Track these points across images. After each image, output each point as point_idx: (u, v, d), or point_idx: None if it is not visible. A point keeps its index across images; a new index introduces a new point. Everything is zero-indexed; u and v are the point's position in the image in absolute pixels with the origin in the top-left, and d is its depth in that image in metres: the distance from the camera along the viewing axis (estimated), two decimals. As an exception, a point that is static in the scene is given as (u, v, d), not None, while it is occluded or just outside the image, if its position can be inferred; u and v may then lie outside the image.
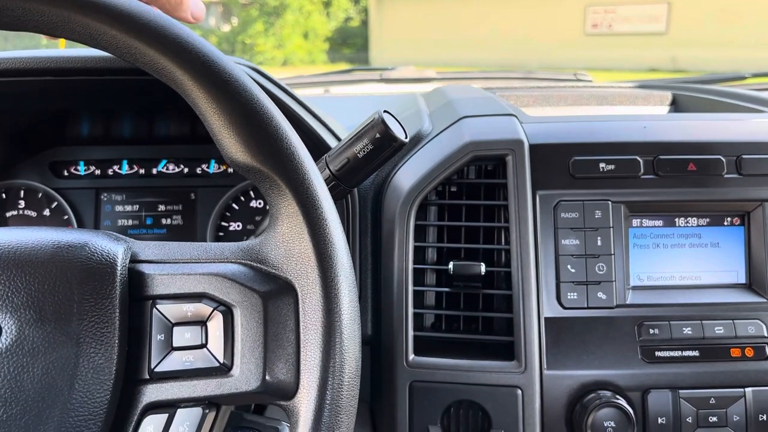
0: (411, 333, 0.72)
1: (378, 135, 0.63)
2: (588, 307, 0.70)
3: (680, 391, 0.68)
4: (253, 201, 0.94)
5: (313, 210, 0.46)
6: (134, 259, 0.47)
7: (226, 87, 0.45)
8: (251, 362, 0.45)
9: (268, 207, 0.72)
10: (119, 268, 0.45)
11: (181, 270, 0.47)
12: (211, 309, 0.46)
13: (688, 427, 0.68)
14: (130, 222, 0.94)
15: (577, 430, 0.68)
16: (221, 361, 0.45)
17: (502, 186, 0.73)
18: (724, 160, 0.72)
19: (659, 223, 0.73)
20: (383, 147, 0.64)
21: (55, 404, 0.42)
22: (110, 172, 0.94)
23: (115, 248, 0.46)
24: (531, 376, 0.69)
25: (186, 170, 0.95)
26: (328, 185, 0.63)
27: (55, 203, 0.92)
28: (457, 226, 0.75)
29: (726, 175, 0.72)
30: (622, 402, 0.67)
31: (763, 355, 0.69)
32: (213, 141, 0.47)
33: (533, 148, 0.73)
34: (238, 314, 0.46)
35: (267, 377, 0.45)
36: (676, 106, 1.15)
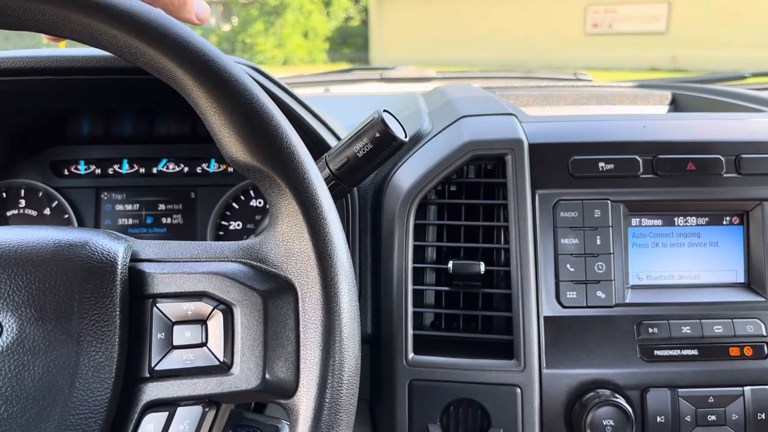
0: (410, 332, 0.72)
1: (378, 134, 0.64)
2: (587, 306, 0.70)
3: (679, 389, 0.68)
4: (253, 200, 0.94)
5: (313, 209, 0.46)
6: (134, 258, 0.47)
7: (227, 86, 0.45)
8: (251, 361, 0.45)
9: (268, 206, 0.72)
10: (120, 267, 0.45)
11: (182, 269, 0.47)
12: (212, 308, 0.46)
13: (686, 426, 0.68)
14: (131, 221, 0.94)
15: (576, 429, 0.68)
16: (221, 360, 0.45)
17: (501, 185, 0.74)
18: (723, 159, 0.72)
19: (658, 222, 0.73)
20: (383, 146, 0.64)
21: (56, 402, 0.42)
22: (110, 171, 0.94)
23: (115, 247, 0.46)
24: (530, 375, 0.69)
25: (186, 169, 0.95)
26: (327, 184, 0.64)
27: (56, 202, 0.92)
28: (456, 226, 0.75)
29: (725, 175, 0.72)
30: (621, 401, 0.67)
31: (762, 354, 0.69)
32: (213, 140, 0.47)
33: (533, 147, 0.73)
34: (238, 313, 0.46)
35: (267, 376, 0.45)
36: (676, 105, 1.15)
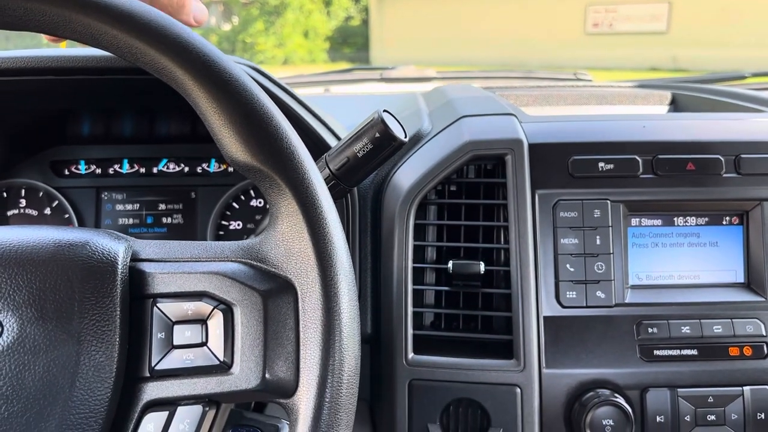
0: (410, 332, 0.72)
1: (377, 134, 0.64)
2: (587, 306, 0.70)
3: (679, 389, 0.68)
4: (254, 200, 0.94)
5: (313, 209, 0.46)
6: (135, 258, 0.48)
7: (227, 87, 0.45)
8: (251, 360, 0.45)
9: (268, 206, 0.72)
10: (120, 267, 0.45)
11: (182, 269, 0.47)
12: (212, 307, 0.46)
13: (686, 426, 0.68)
14: (131, 221, 0.94)
15: (575, 429, 0.68)
16: (221, 359, 0.45)
17: (501, 185, 0.74)
18: (722, 159, 0.72)
19: (658, 222, 0.73)
20: (383, 146, 0.64)
21: (57, 402, 0.42)
22: (111, 171, 0.94)
23: (115, 247, 0.46)
24: (530, 375, 0.69)
25: (186, 169, 0.95)
26: (327, 184, 0.64)
27: (56, 202, 0.92)
28: (456, 225, 0.75)
29: (725, 175, 0.72)
30: (621, 400, 0.67)
31: (762, 354, 0.70)
32: (213, 140, 0.47)
33: (532, 147, 0.73)
34: (238, 313, 0.46)
35: (267, 375, 0.45)
36: (676, 105, 1.15)
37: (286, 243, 0.47)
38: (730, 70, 1.45)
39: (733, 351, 0.70)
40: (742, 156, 0.72)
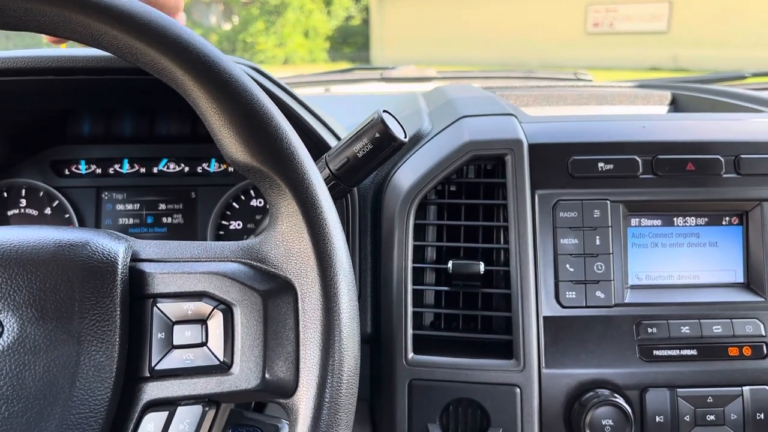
0: (410, 332, 0.72)
1: (377, 134, 0.64)
2: (586, 306, 0.70)
3: (678, 389, 0.68)
4: (254, 200, 0.94)
5: (313, 209, 0.46)
6: (135, 258, 0.48)
7: (227, 87, 0.45)
8: (251, 360, 0.45)
9: (268, 206, 0.73)
10: (120, 267, 0.45)
11: (182, 269, 0.47)
12: (212, 307, 0.46)
13: (685, 426, 0.68)
14: (131, 221, 0.94)
15: (575, 429, 0.68)
16: (221, 360, 0.45)
17: (501, 185, 0.74)
18: (722, 159, 0.72)
19: (658, 222, 0.73)
20: (383, 146, 0.64)
21: (57, 402, 0.42)
22: (111, 170, 0.94)
23: (116, 247, 0.46)
24: (529, 375, 0.69)
25: (186, 169, 0.95)
26: (327, 184, 0.64)
27: (57, 202, 0.92)
28: (456, 226, 0.75)
29: (724, 175, 0.72)
30: (620, 400, 0.67)
31: (761, 354, 0.70)
32: (213, 140, 0.47)
33: (532, 147, 0.73)
34: (238, 313, 0.46)
35: (267, 375, 0.45)
36: (676, 105, 1.15)
37: (286, 243, 0.47)
38: (730, 70, 1.45)
39: (733, 351, 0.70)
40: (742, 156, 0.73)
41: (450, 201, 0.76)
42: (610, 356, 0.69)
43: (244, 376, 0.45)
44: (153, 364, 0.45)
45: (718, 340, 0.70)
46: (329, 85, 1.58)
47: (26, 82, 0.75)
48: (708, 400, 0.68)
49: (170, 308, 0.46)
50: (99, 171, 0.94)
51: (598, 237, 0.71)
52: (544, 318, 0.70)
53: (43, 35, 0.53)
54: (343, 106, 1.24)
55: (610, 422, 0.66)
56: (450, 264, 0.72)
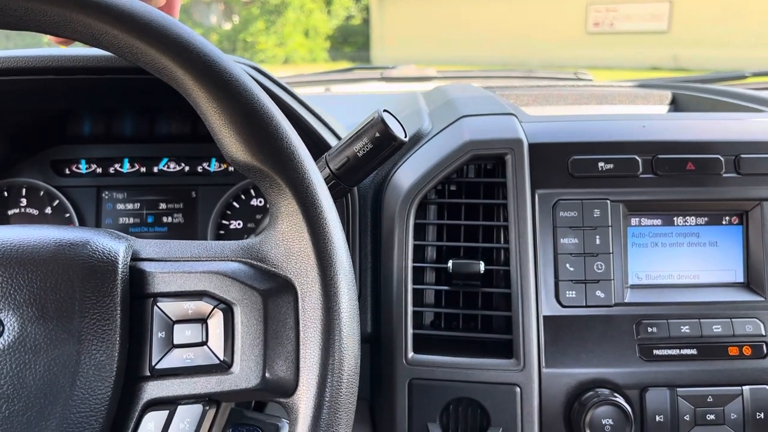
0: (410, 331, 0.72)
1: (378, 134, 0.64)
2: (586, 306, 0.70)
3: (678, 389, 0.68)
4: (254, 199, 0.94)
5: (313, 209, 0.46)
6: (135, 257, 0.48)
7: (227, 87, 0.45)
8: (251, 360, 0.45)
9: (268, 206, 0.73)
10: (120, 266, 0.45)
11: (182, 268, 0.47)
12: (212, 307, 0.46)
13: (685, 425, 0.68)
14: (132, 220, 0.94)
15: (575, 428, 0.68)
16: (221, 359, 0.45)
17: (501, 185, 0.74)
18: (722, 159, 0.72)
19: (658, 222, 0.73)
20: (383, 146, 0.64)
21: (57, 401, 0.42)
22: (111, 170, 0.94)
23: (116, 246, 0.46)
24: (529, 374, 0.69)
25: (187, 169, 0.95)
26: (327, 184, 0.64)
27: (57, 201, 0.92)
28: (456, 225, 0.75)
29: (724, 175, 0.72)
30: (620, 400, 0.67)
31: (761, 354, 0.70)
32: (214, 140, 0.47)
33: (532, 147, 0.73)
34: (238, 312, 0.46)
35: (267, 374, 0.45)
36: (676, 105, 1.15)
37: (286, 242, 0.47)
38: (730, 70, 1.45)
39: (733, 350, 0.70)
40: (742, 156, 0.73)
41: (450, 200, 0.76)
42: (610, 356, 0.69)
43: (244, 375, 0.45)
44: (153, 363, 0.45)
45: (718, 339, 0.70)
46: (329, 85, 1.58)
47: (27, 81, 0.75)
48: (708, 400, 0.68)
49: (170, 307, 0.46)
50: (99, 170, 0.94)
51: (598, 236, 0.71)
52: (544, 317, 0.70)
53: (45, 35, 0.53)
54: (343, 106, 1.24)
55: (610, 422, 0.66)
56: (450, 263, 0.72)
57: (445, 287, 0.74)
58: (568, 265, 0.71)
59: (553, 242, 0.71)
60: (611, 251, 0.71)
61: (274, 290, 0.46)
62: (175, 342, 0.46)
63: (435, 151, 0.76)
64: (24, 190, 0.92)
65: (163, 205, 0.95)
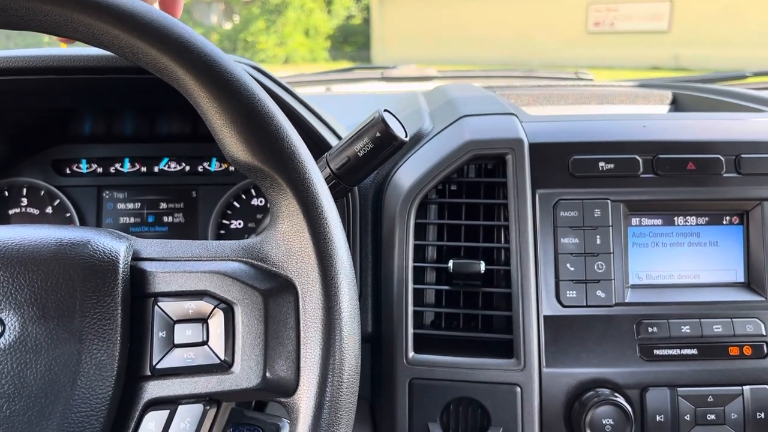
0: (411, 331, 0.72)
1: (378, 134, 0.64)
2: (587, 306, 0.70)
3: (678, 389, 0.68)
4: (255, 199, 0.94)
5: (314, 209, 0.46)
6: (136, 257, 0.48)
7: (228, 86, 0.45)
8: (252, 359, 0.45)
9: (268, 205, 0.73)
10: (121, 266, 0.45)
11: (183, 268, 0.47)
12: (212, 306, 0.46)
13: (686, 425, 0.68)
14: (132, 220, 0.94)
15: (575, 428, 0.68)
16: (222, 358, 0.45)
17: (501, 185, 0.74)
18: (723, 159, 0.72)
19: (658, 221, 0.73)
20: (383, 146, 0.64)
21: (58, 400, 0.42)
22: (112, 170, 0.95)
23: (117, 246, 0.46)
24: (530, 374, 0.69)
25: (187, 168, 0.95)
26: (328, 184, 0.64)
27: (58, 201, 0.92)
28: (457, 225, 0.75)
29: (725, 175, 0.72)
30: (621, 400, 0.67)
31: (761, 354, 0.70)
32: (214, 139, 0.47)
33: (533, 147, 0.73)
34: (238, 312, 0.46)
35: (267, 374, 0.45)
36: (677, 105, 1.15)
37: (287, 242, 0.47)
38: (731, 70, 1.45)
39: (733, 350, 0.70)
40: (743, 156, 0.73)
41: (451, 200, 0.76)
42: (611, 355, 0.69)
43: (244, 374, 0.45)
44: (154, 363, 0.45)
45: (719, 339, 0.70)
46: (330, 85, 1.58)
47: (27, 81, 0.75)
48: (708, 400, 0.68)
49: (171, 307, 0.46)
50: (100, 170, 0.94)
51: (598, 236, 0.71)
52: (545, 317, 0.70)
53: (46, 35, 0.53)
54: (343, 106, 1.24)
55: (611, 421, 0.66)
56: (450, 263, 0.72)
57: (446, 287, 0.74)
58: (568, 264, 0.71)
59: (553, 242, 0.71)
60: (612, 251, 0.71)
61: (275, 290, 0.46)
62: (176, 342, 0.46)
63: (435, 151, 0.76)
64: (25, 190, 0.92)
65: (163, 205, 0.95)
